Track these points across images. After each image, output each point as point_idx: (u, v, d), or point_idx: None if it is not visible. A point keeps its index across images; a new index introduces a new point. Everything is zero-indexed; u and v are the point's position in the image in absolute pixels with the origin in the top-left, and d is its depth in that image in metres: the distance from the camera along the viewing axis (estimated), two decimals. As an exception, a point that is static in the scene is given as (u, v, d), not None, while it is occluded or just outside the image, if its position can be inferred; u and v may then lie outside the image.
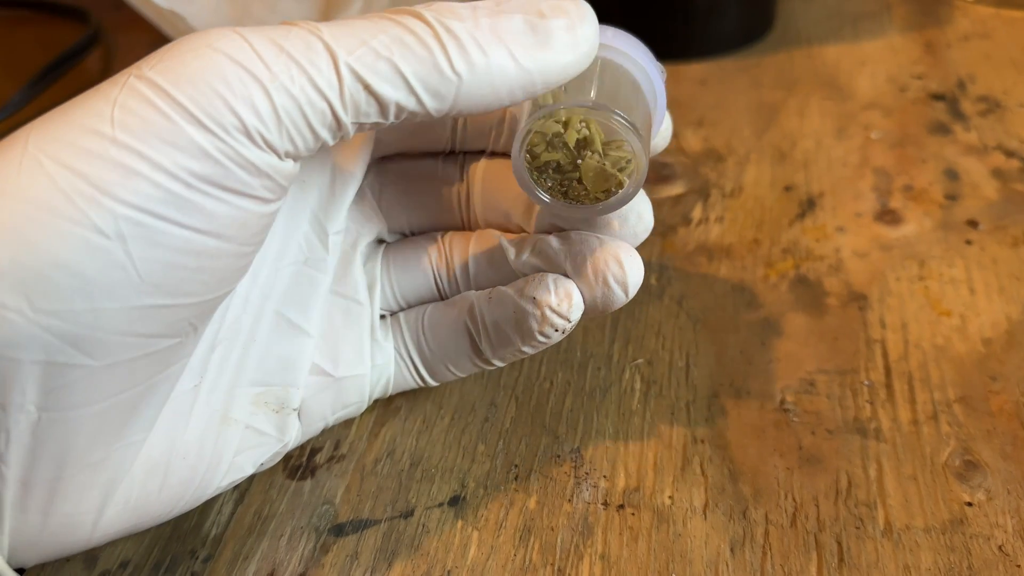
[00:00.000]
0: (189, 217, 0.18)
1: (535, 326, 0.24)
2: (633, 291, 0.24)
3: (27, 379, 0.18)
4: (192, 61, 0.18)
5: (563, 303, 0.23)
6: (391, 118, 0.20)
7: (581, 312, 0.24)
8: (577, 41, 0.20)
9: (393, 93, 0.19)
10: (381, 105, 0.19)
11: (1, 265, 0.17)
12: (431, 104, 0.19)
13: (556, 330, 0.24)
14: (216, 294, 0.20)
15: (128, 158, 0.18)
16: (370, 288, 0.27)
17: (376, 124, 0.20)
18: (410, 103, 0.19)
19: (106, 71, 0.48)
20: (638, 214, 0.24)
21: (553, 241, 0.24)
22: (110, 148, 0.18)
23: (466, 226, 0.27)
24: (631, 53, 0.23)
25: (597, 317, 0.30)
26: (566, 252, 0.24)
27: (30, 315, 0.18)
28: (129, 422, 0.21)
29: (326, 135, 0.19)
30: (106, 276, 0.18)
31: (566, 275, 0.24)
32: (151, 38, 0.48)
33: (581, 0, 0.21)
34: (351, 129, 0.20)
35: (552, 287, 0.23)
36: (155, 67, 0.18)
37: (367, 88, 0.19)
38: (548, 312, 0.23)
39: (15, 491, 0.20)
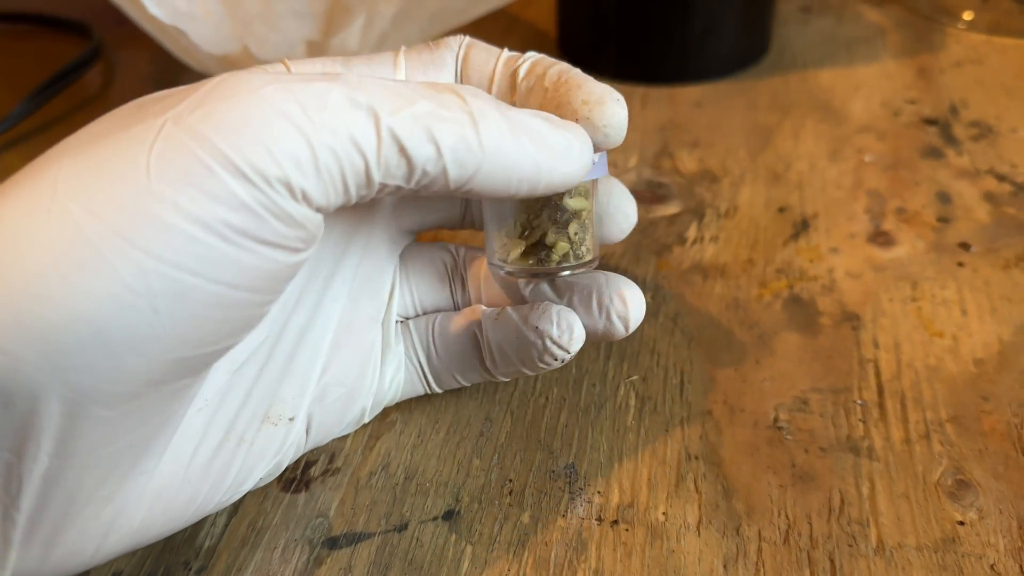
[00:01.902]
0: (222, 271, 0.18)
1: (536, 354, 0.25)
2: (634, 326, 0.25)
3: (42, 430, 0.18)
4: (237, 108, 0.18)
5: (564, 335, 0.24)
6: (413, 183, 0.20)
7: (581, 344, 0.25)
8: (583, 154, 0.22)
9: (422, 158, 0.19)
10: (410, 168, 0.19)
11: (22, 318, 0.17)
12: (453, 173, 0.20)
13: (556, 359, 0.25)
14: (237, 339, 0.20)
15: (163, 210, 0.17)
16: (388, 295, 0.27)
17: (395, 190, 0.20)
18: (436, 170, 0.19)
19: (107, 86, 0.49)
20: (624, 214, 0.26)
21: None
22: (144, 199, 0.17)
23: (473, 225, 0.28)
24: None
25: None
26: (574, 284, 0.25)
27: (48, 370, 0.17)
28: (140, 456, 0.21)
29: (354, 193, 0.19)
30: (131, 332, 0.17)
31: (570, 305, 0.25)
32: (152, 54, 0.49)
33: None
34: (375, 190, 0.19)
35: (555, 319, 0.24)
36: (195, 112, 0.18)
37: (401, 150, 0.19)
38: (549, 343, 0.24)
39: (23, 529, 0.20)
